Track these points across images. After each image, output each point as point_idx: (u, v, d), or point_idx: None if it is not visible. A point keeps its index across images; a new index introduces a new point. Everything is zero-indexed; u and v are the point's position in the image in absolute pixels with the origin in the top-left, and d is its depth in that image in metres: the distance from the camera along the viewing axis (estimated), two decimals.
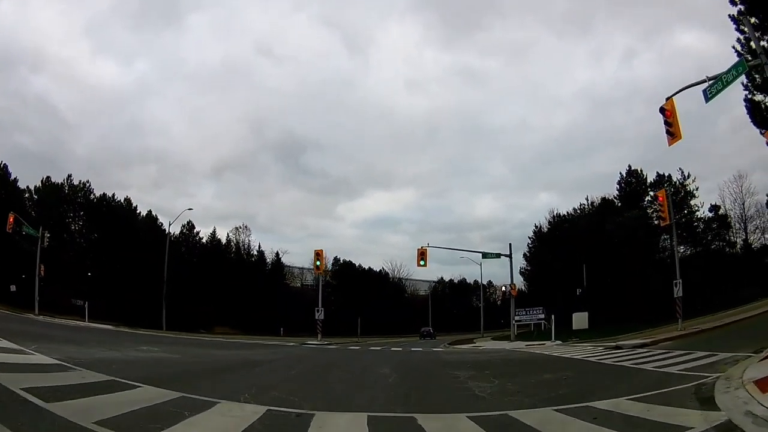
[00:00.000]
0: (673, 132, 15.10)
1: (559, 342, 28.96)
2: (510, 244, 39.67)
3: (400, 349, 27.02)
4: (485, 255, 35.15)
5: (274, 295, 68.53)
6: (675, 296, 25.02)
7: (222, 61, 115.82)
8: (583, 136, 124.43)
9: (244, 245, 76.33)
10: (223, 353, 18.90)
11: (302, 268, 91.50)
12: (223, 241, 73.00)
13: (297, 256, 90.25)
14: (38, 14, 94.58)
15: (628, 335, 26.68)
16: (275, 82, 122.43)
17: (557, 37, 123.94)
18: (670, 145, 15.23)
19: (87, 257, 51.03)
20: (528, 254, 61.54)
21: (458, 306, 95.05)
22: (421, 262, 32.30)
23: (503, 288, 35.77)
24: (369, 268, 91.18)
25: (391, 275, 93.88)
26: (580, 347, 22.75)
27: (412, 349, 27.58)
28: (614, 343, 21.62)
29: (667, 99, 15.45)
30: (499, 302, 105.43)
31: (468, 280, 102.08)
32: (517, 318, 41.93)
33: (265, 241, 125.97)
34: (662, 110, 15.44)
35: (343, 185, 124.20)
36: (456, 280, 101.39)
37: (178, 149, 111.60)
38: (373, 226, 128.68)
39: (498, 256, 35.48)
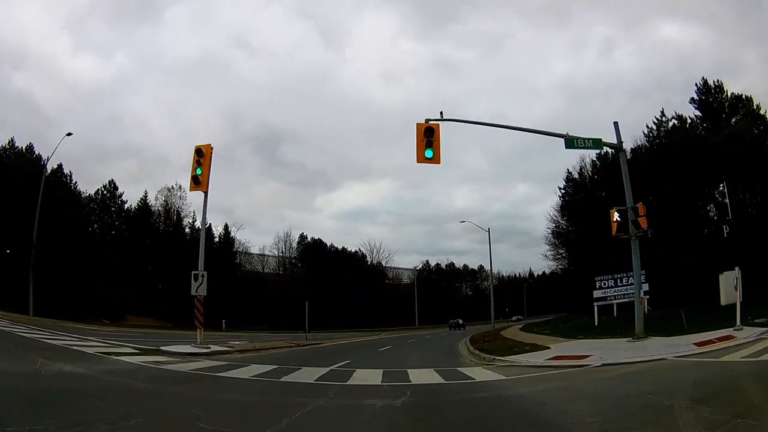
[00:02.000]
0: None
1: (760, 330, 13.18)
2: (616, 127, 18.84)
3: (383, 388, 9.10)
4: (570, 142, 16.81)
5: (220, 278, 53.77)
6: None
7: (199, 54, 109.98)
8: (562, 127, 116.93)
9: (188, 217, 61.24)
10: None
11: (263, 254, 77.46)
12: (156, 207, 57.61)
13: (267, 247, 79.28)
14: (20, 11, 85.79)
15: None
16: (252, 75, 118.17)
17: (534, 28, 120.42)
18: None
19: None
20: (564, 206, 45.95)
21: (446, 294, 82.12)
22: (428, 153, 15.56)
23: (617, 217, 16.59)
24: (343, 248, 77.40)
25: (369, 258, 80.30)
26: None
27: (413, 381, 9.89)
28: None
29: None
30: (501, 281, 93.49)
31: (456, 265, 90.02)
32: (599, 293, 27.51)
33: (245, 234, 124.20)
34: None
35: (321, 177, 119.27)
36: (443, 265, 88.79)
37: (157, 143, 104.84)
38: (352, 217, 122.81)
39: (599, 143, 17.52)
